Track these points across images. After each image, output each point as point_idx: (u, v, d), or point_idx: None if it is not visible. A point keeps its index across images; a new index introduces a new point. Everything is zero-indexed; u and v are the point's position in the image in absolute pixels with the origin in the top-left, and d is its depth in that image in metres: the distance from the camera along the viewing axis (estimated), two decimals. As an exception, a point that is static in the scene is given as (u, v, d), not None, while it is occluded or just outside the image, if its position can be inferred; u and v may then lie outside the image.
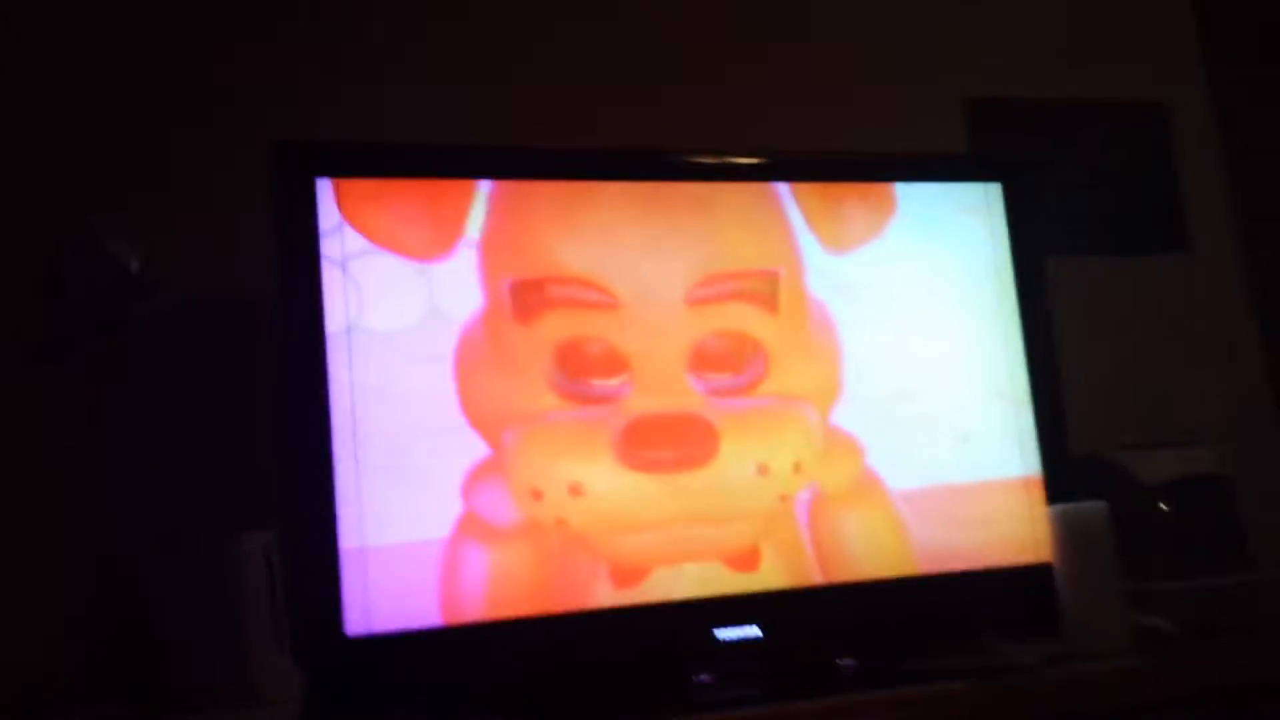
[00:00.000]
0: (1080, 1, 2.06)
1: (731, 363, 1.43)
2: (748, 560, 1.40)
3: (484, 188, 1.39)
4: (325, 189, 1.33)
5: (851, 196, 1.54)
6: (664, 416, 1.39)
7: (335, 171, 1.34)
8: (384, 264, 1.33)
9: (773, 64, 1.85)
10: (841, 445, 1.46)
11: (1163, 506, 1.54)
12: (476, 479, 1.32)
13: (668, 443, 1.38)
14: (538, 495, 1.33)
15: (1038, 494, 1.52)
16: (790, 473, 1.43)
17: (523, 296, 1.37)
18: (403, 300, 1.33)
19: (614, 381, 1.38)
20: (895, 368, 1.51)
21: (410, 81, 1.63)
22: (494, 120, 1.65)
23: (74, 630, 1.37)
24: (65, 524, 1.39)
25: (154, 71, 1.53)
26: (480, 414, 1.33)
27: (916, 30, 1.94)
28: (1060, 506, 1.44)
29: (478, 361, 1.34)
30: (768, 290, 1.47)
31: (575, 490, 1.34)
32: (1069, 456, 1.56)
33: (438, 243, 1.36)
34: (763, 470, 1.41)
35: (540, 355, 1.36)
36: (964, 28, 1.97)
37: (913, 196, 1.57)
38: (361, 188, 1.34)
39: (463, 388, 1.33)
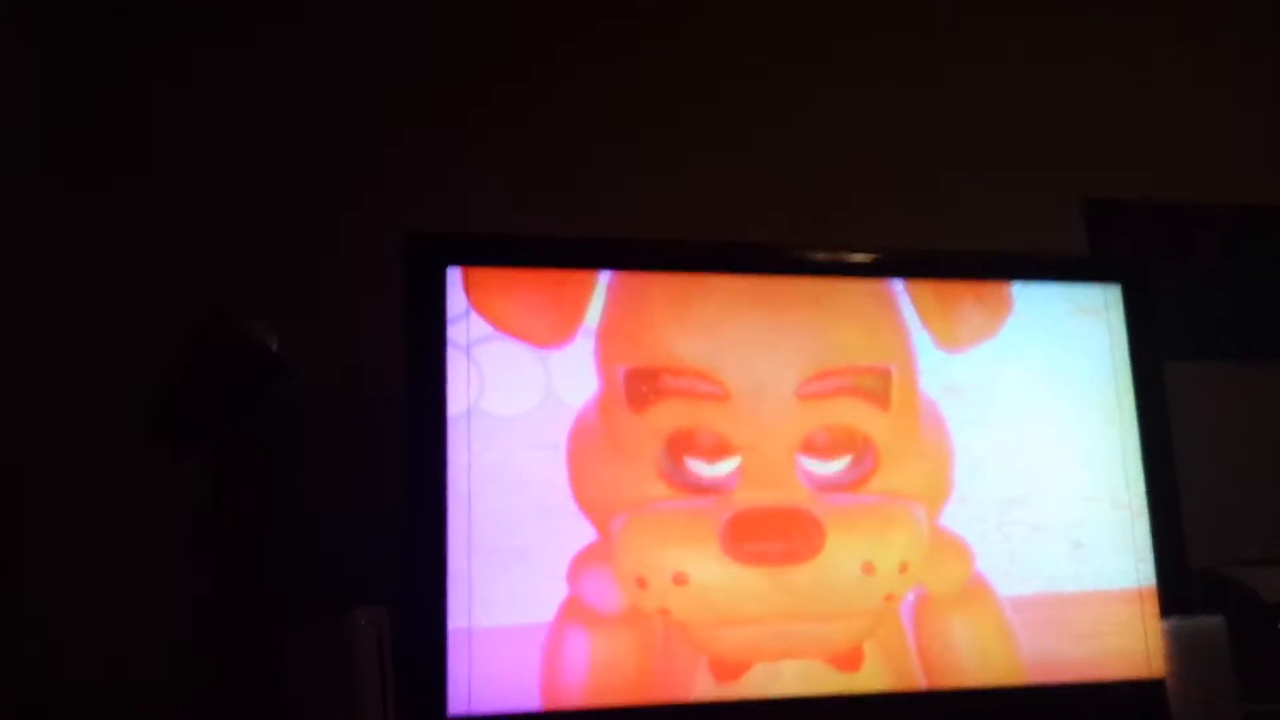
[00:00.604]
0: (1199, 103, 2.04)
1: (840, 458, 1.43)
2: (850, 660, 1.39)
3: (604, 278, 1.43)
4: (454, 277, 1.38)
5: (967, 295, 1.54)
6: (771, 510, 1.40)
7: (464, 260, 1.39)
8: (506, 349, 1.38)
9: (893, 160, 1.86)
10: (950, 548, 1.45)
11: (1283, 627, 1.49)
12: (582, 564, 1.34)
13: (773, 536, 1.39)
14: (642, 583, 1.35)
15: (1152, 607, 1.48)
16: (896, 573, 1.42)
17: (637, 385, 1.40)
18: (522, 385, 1.37)
19: (723, 472, 1.40)
20: (1008, 471, 1.49)
21: (530, 169, 1.70)
22: (614, 211, 1.70)
23: (194, 695, 1.42)
24: (191, 593, 1.45)
25: (293, 166, 1.62)
26: (590, 499, 1.36)
27: (1035, 129, 1.94)
28: (1175, 620, 1.40)
29: (590, 448, 1.37)
30: (879, 387, 1.47)
31: (679, 580, 1.35)
32: (1186, 569, 1.51)
33: (558, 330, 1.40)
34: (868, 569, 1.41)
35: (651, 443, 1.39)
36: (1083, 128, 1.96)
37: (1029, 296, 1.56)
38: (489, 276, 1.39)
39: (574, 473, 1.36)
